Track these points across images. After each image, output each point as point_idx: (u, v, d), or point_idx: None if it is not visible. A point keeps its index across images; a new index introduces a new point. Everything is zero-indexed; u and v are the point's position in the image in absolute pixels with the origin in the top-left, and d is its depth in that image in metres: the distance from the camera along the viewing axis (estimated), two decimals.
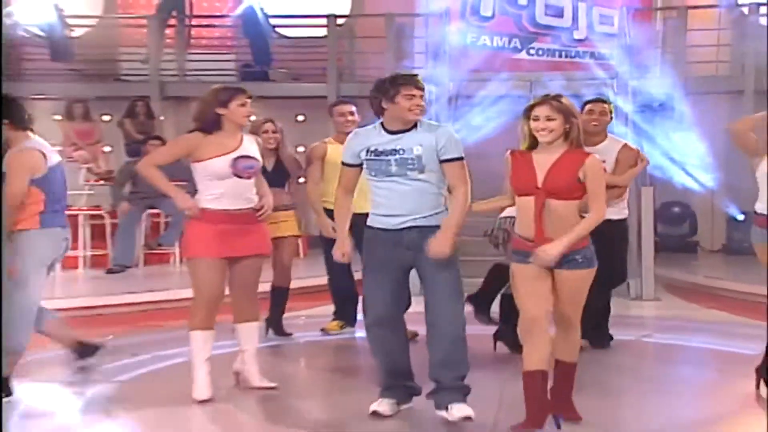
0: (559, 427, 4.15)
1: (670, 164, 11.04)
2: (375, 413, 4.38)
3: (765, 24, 11.63)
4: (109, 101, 12.16)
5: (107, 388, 5.12)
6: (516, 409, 4.21)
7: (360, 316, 6.38)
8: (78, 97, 11.41)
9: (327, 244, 6.47)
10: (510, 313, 5.07)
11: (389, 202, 4.32)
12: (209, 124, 4.82)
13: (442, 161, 4.28)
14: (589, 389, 4.66)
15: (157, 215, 10.02)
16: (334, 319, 6.75)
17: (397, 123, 4.32)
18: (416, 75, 4.40)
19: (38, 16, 12.29)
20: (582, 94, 8.24)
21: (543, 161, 4.12)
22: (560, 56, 11.42)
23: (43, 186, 4.75)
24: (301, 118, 12.73)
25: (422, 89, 4.32)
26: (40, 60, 12.70)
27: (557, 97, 4.15)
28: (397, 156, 4.27)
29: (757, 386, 4.83)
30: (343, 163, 4.47)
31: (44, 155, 4.77)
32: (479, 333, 5.82)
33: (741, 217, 11.10)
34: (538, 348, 4.06)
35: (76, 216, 9.89)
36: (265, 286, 5.79)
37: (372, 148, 4.32)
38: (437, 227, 4.28)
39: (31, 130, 4.87)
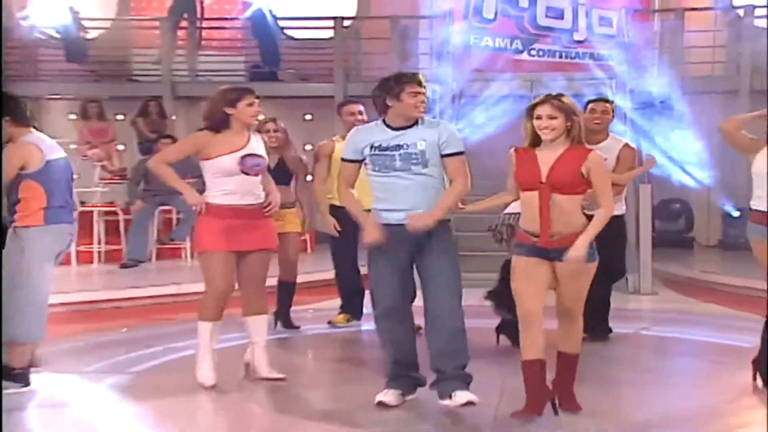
0: (557, 413, 4.17)
1: (668, 162, 11.02)
2: (381, 403, 4.38)
3: (760, 25, 11.61)
4: (123, 101, 12.17)
5: (122, 378, 5.12)
6: (517, 399, 4.21)
7: (366, 309, 6.43)
8: (92, 97, 11.41)
9: (334, 239, 6.48)
10: (512, 306, 5.06)
11: (392, 197, 4.33)
12: (218, 123, 4.85)
13: (443, 155, 4.31)
14: (589, 380, 4.65)
15: (169, 211, 10.03)
16: (340, 313, 6.75)
17: (400, 120, 4.34)
18: (418, 73, 4.42)
19: (54, 18, 12.31)
20: (582, 94, 8.24)
21: (546, 158, 4.14)
22: (561, 57, 11.41)
23: (40, 180, 4.69)
24: (308, 117, 12.72)
25: (425, 87, 4.36)
26: (55, 61, 12.72)
27: (559, 97, 4.18)
28: (401, 151, 4.29)
29: (754, 378, 4.82)
30: (345, 159, 4.47)
31: (40, 150, 4.72)
32: (482, 326, 5.81)
33: (736, 214, 11.09)
34: (534, 338, 4.09)
35: (90, 212, 9.96)
36: (272, 281, 5.79)
37: (376, 144, 4.33)
38: (440, 221, 4.31)
39: (35, 127, 4.86)
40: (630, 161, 5.93)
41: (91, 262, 9.86)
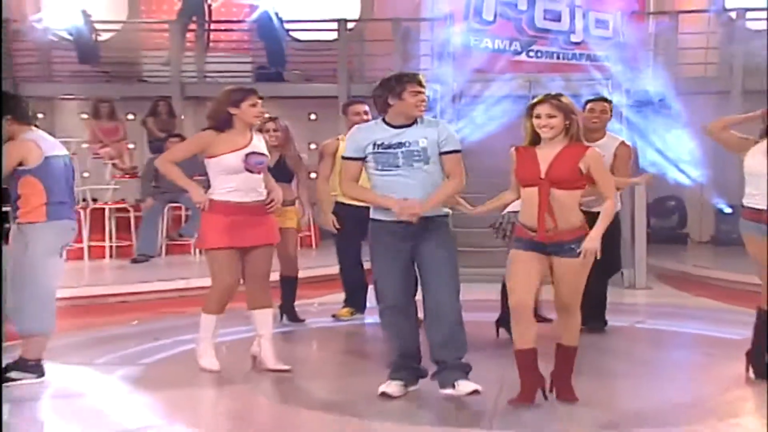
0: (546, 398, 4.23)
1: (663, 160, 11.02)
2: (384, 394, 4.38)
3: (751, 28, 11.59)
4: (133, 101, 12.18)
5: (132, 370, 5.13)
6: (516, 390, 4.23)
7: (369, 303, 6.43)
8: (104, 97, 11.42)
9: (338, 236, 6.48)
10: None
11: (394, 194, 4.31)
12: (222, 123, 4.88)
13: (441, 153, 4.33)
14: (586, 372, 4.64)
15: (178, 208, 10.03)
16: (344, 306, 6.75)
17: (401, 118, 4.35)
18: (419, 74, 4.44)
19: (67, 21, 12.31)
20: (580, 94, 8.22)
21: (546, 155, 4.16)
22: (558, 58, 11.39)
23: (39, 176, 4.67)
24: (313, 116, 12.71)
25: (424, 87, 4.38)
26: (68, 62, 12.72)
27: (557, 96, 4.21)
28: (404, 149, 4.30)
29: (747, 369, 4.81)
30: (347, 158, 4.45)
31: (39, 147, 4.70)
32: (482, 320, 5.82)
33: (728, 211, 11.08)
34: (527, 329, 4.15)
35: (102, 209, 9.99)
36: (274, 276, 5.78)
37: (379, 142, 4.34)
38: (439, 217, 4.35)
39: (36, 126, 4.84)
40: (627, 159, 5.95)
41: (103, 257, 9.89)
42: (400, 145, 4.31)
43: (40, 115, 5.14)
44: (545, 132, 4.14)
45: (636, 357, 5.64)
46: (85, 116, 11.48)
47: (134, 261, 9.48)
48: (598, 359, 5.30)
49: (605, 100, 6.20)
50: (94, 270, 9.33)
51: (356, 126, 4.65)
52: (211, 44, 13.12)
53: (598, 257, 4.13)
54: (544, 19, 11.34)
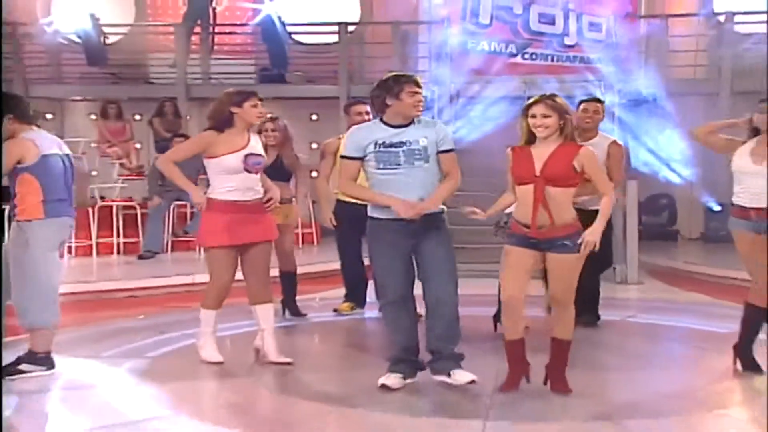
0: (528, 381, 4.30)
1: (654, 159, 11.02)
2: (383, 386, 4.38)
3: (740, 31, 11.58)
4: (140, 102, 12.17)
5: (140, 363, 5.12)
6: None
7: (369, 298, 6.42)
8: (111, 99, 11.45)
9: (339, 232, 6.48)
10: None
11: (394, 192, 4.30)
12: (222, 122, 4.90)
13: (439, 152, 4.34)
14: (580, 365, 4.64)
15: (184, 206, 10.03)
16: (345, 301, 6.73)
17: (399, 118, 4.34)
18: (415, 75, 4.45)
19: (76, 24, 12.29)
20: (574, 95, 8.22)
21: (540, 154, 4.17)
22: (553, 60, 11.40)
23: (36, 174, 4.64)
24: (314, 117, 12.71)
25: (422, 87, 4.38)
26: (77, 65, 12.71)
27: (552, 97, 4.22)
28: (405, 147, 4.30)
29: (734, 362, 4.82)
30: (347, 157, 4.43)
31: (36, 145, 4.67)
32: (480, 314, 5.81)
33: (718, 208, 11.08)
34: (515, 321, 4.21)
35: (110, 207, 10.01)
36: (274, 272, 5.77)
37: (380, 141, 4.33)
38: (437, 214, 4.35)
39: (38, 125, 4.83)
40: (619, 158, 5.95)
41: (111, 254, 9.91)
42: (402, 144, 4.30)
43: (49, 116, 5.15)
44: (540, 131, 4.15)
45: (628, 350, 5.64)
46: (93, 117, 11.48)
47: (141, 257, 9.49)
48: (592, 352, 5.30)
49: (598, 100, 6.22)
50: (101, 266, 9.34)
51: (355, 126, 4.63)
52: (215, 47, 13.11)
53: (596, 251, 4.13)
54: (539, 22, 11.36)
